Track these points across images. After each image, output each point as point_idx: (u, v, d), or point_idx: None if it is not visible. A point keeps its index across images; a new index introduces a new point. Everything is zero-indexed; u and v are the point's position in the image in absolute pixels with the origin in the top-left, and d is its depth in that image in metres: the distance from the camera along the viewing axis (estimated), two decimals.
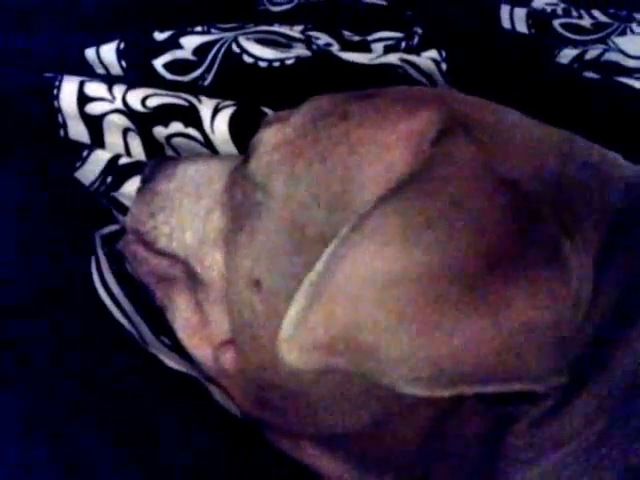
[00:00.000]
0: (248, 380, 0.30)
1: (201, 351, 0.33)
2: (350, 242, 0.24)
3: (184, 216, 0.34)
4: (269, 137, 0.32)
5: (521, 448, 0.25)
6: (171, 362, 0.33)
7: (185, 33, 0.57)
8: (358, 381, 0.26)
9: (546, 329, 0.22)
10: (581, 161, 0.27)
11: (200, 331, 0.33)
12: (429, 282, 0.23)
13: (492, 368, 0.22)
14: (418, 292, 0.23)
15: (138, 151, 0.48)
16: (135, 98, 0.48)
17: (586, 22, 0.73)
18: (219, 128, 0.47)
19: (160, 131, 0.47)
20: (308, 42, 0.61)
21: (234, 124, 0.46)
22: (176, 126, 0.47)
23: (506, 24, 0.68)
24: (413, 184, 0.25)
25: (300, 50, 0.58)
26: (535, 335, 0.22)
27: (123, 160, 0.46)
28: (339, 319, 0.23)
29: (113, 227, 0.40)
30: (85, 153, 0.46)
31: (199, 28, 0.59)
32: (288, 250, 0.28)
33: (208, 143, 0.47)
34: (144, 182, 0.38)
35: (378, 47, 0.64)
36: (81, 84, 0.48)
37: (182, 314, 0.33)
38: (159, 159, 0.39)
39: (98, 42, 0.56)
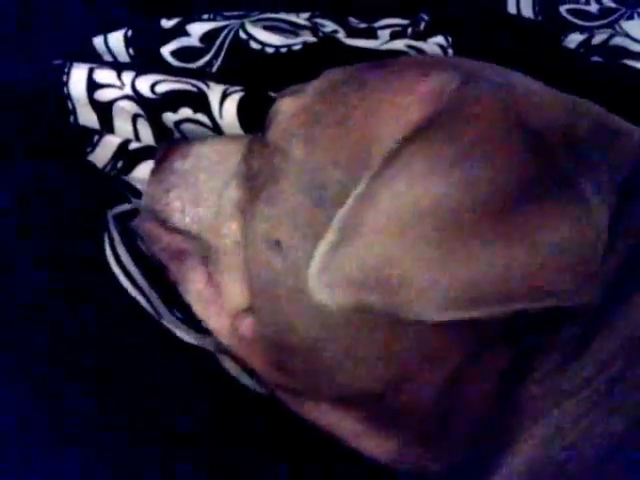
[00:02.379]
0: (267, 345, 0.31)
1: (217, 321, 0.33)
2: (379, 180, 0.25)
3: (199, 191, 0.35)
4: (286, 106, 0.33)
5: (538, 397, 0.25)
6: (184, 335, 0.33)
7: (192, 20, 0.57)
8: (377, 336, 0.27)
9: (571, 249, 0.23)
10: (592, 118, 0.28)
11: (215, 302, 0.33)
12: (457, 213, 0.24)
13: (522, 286, 0.23)
14: (447, 223, 0.24)
15: (147, 137, 0.48)
16: (144, 84, 0.48)
17: (593, 8, 0.73)
18: (228, 113, 0.47)
19: (169, 117, 0.48)
20: (314, 29, 0.61)
21: (243, 109, 0.47)
22: (185, 112, 0.47)
23: (512, 9, 0.68)
24: (438, 123, 0.25)
25: (307, 37, 0.58)
26: (562, 255, 0.23)
27: (134, 145, 0.46)
28: (370, 254, 0.24)
29: (125, 206, 0.40)
30: (95, 138, 0.46)
31: (205, 16, 0.60)
32: (308, 210, 0.29)
33: (217, 128, 0.47)
34: (158, 162, 0.39)
35: (384, 34, 0.64)
36: (90, 71, 0.49)
37: (196, 287, 0.34)
38: (171, 141, 0.40)
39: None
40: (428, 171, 0.25)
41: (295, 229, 0.29)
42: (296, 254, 0.29)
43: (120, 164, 0.45)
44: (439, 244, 0.24)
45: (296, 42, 0.55)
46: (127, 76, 0.48)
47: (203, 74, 0.52)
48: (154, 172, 0.38)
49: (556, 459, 0.25)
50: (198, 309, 0.34)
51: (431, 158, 0.25)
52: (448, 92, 0.27)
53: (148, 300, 0.35)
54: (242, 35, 0.55)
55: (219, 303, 0.33)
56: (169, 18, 0.57)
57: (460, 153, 0.25)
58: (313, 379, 0.30)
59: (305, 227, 0.29)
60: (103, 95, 0.48)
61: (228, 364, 0.34)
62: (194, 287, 0.34)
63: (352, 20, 0.65)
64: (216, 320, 0.33)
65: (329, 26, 0.63)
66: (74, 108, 0.48)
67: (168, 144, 0.39)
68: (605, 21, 0.69)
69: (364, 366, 0.28)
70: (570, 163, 0.25)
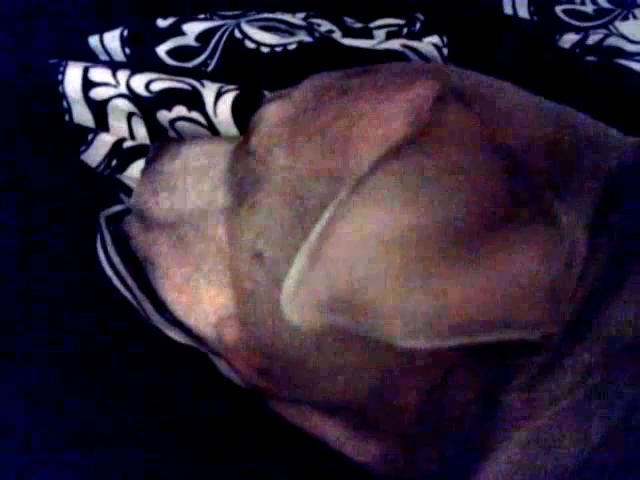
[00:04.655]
0: (251, 352, 0.31)
1: (201, 328, 0.33)
2: (348, 204, 0.25)
3: (187, 194, 0.35)
4: (270, 113, 0.32)
5: (517, 406, 0.25)
6: (175, 336, 0.33)
7: (188, 20, 0.57)
8: (358, 347, 0.27)
9: (539, 282, 0.23)
10: (576, 131, 0.28)
11: (197, 307, 0.33)
12: (426, 240, 0.23)
13: (487, 318, 0.23)
14: (416, 250, 0.23)
15: (142, 135, 0.48)
16: (139, 83, 0.48)
17: (588, 8, 0.73)
18: (222, 111, 0.47)
19: (164, 115, 0.48)
20: (310, 29, 0.61)
21: (237, 107, 0.47)
22: (180, 110, 0.47)
23: (508, 10, 0.68)
24: (410, 147, 0.25)
25: (302, 37, 0.58)
26: (529, 288, 0.23)
27: (128, 143, 0.46)
28: (339, 278, 0.24)
29: (118, 207, 0.40)
30: (90, 137, 0.46)
31: (201, 15, 0.60)
32: (289, 222, 0.29)
33: (211, 126, 0.47)
34: (148, 163, 0.39)
35: (380, 34, 0.64)
36: (85, 69, 0.49)
37: (169, 295, 0.34)
38: (163, 140, 0.40)
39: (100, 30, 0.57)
40: (397, 197, 0.24)
41: (276, 241, 0.29)
42: (277, 267, 0.29)
43: (114, 162, 0.46)
44: (405, 272, 0.23)
45: (291, 42, 0.55)
46: (122, 75, 0.48)
47: (198, 73, 0.52)
48: (144, 172, 0.38)
49: (534, 465, 0.25)
50: (180, 314, 0.34)
51: (400, 183, 0.25)
52: (426, 108, 0.27)
53: (138, 302, 0.35)
54: (237, 34, 0.55)
55: (200, 310, 0.33)
56: (165, 18, 0.57)
57: (429, 179, 0.24)
58: (296, 386, 0.30)
59: (286, 240, 0.29)
60: (98, 93, 0.48)
61: (219, 363, 0.34)
62: (171, 294, 0.34)
63: (348, 20, 0.65)
64: (200, 327, 0.33)
65: (325, 26, 0.63)
66: (69, 107, 0.48)
67: (159, 144, 0.39)
68: (600, 22, 0.69)
69: (345, 376, 0.29)
70: (547, 185, 0.25)
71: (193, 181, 0.35)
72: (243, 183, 0.32)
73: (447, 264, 0.23)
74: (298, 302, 0.24)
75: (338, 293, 0.24)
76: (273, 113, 0.32)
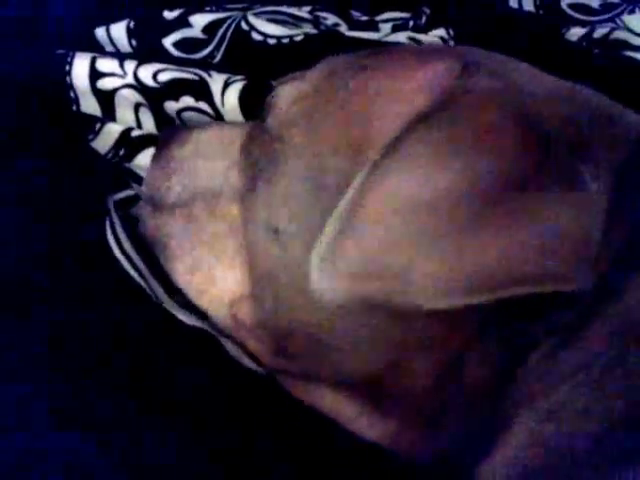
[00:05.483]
0: (267, 331, 0.31)
1: (215, 309, 0.33)
2: (380, 169, 0.25)
3: (199, 176, 0.35)
4: (287, 93, 0.33)
5: (533, 382, 0.25)
6: (185, 318, 0.33)
7: (194, 12, 0.57)
8: (378, 321, 0.27)
9: (569, 235, 0.23)
10: (593, 106, 0.28)
11: (210, 288, 0.33)
12: (458, 203, 0.24)
13: (524, 272, 0.23)
14: (447, 213, 0.24)
15: (149, 126, 0.48)
16: (146, 73, 0.48)
17: (594, 2, 0.73)
18: (229, 102, 0.47)
19: (171, 105, 0.48)
20: (316, 22, 0.61)
21: (244, 98, 0.47)
22: (187, 100, 0.48)
23: (513, 3, 0.68)
24: (438, 114, 0.25)
25: (308, 30, 0.58)
26: (560, 241, 0.23)
27: (136, 132, 0.46)
28: (371, 244, 0.24)
29: (127, 192, 0.40)
30: (97, 126, 0.46)
31: (208, 7, 0.60)
32: (307, 197, 0.29)
33: (218, 117, 0.47)
34: (159, 149, 0.39)
35: (386, 27, 0.64)
36: (93, 60, 0.49)
37: (181, 277, 0.34)
38: (173, 127, 0.40)
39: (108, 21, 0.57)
40: (429, 161, 0.25)
41: (293, 217, 0.29)
42: (294, 242, 0.29)
43: (122, 152, 0.46)
44: (439, 233, 0.24)
45: (298, 33, 0.55)
46: (129, 65, 0.49)
47: (205, 64, 0.52)
48: (155, 159, 0.38)
49: (548, 443, 0.25)
50: (193, 295, 0.34)
51: (432, 148, 0.25)
52: (448, 81, 0.27)
53: (148, 284, 0.35)
54: (244, 26, 0.55)
55: (214, 290, 0.33)
56: (171, 9, 0.57)
57: (461, 143, 0.25)
58: (313, 363, 0.30)
59: (303, 215, 0.29)
60: (105, 84, 0.48)
61: (229, 346, 0.34)
62: (184, 276, 0.34)
63: (354, 13, 0.65)
64: (213, 308, 0.33)
65: (331, 19, 0.63)
66: (76, 97, 0.48)
67: (170, 131, 0.40)
68: (607, 16, 0.69)
69: (364, 351, 0.29)
70: (570, 152, 0.25)
71: (205, 164, 0.35)
72: (259, 162, 0.32)
73: (480, 224, 0.24)
74: (328, 270, 0.24)
75: (370, 258, 0.24)
76: (289, 92, 0.33)
